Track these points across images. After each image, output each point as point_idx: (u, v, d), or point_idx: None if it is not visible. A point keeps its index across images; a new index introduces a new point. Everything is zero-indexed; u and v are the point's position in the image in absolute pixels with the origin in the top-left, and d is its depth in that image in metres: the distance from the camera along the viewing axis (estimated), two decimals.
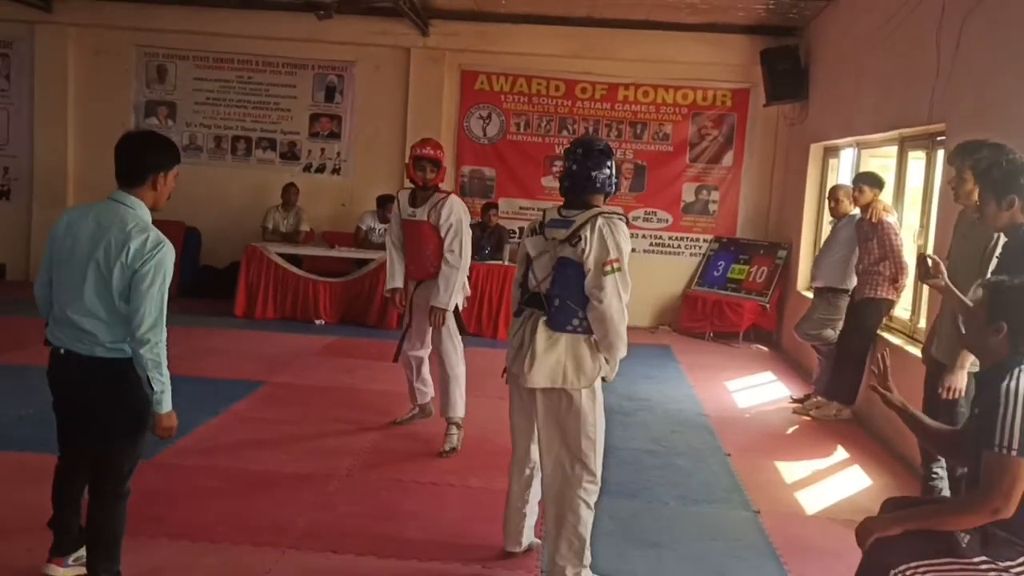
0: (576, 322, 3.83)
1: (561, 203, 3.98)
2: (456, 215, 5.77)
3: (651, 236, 11.15)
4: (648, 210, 11.14)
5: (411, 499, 4.97)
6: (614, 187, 3.98)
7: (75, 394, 3.47)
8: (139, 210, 3.44)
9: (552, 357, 3.85)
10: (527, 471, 4.27)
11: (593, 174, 3.87)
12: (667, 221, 11.14)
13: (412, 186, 5.97)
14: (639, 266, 10.52)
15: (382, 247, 10.10)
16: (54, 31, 11.11)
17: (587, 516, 3.97)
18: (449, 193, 5.90)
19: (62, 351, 3.43)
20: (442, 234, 5.77)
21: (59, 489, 3.69)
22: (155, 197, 3.50)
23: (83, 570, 3.66)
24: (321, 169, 11.33)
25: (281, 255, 9.97)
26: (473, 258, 9.83)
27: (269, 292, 9.88)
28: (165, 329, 3.39)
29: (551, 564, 3.96)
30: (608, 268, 3.71)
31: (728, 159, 11.07)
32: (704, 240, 11.13)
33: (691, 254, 11.14)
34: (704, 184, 11.13)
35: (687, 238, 11.15)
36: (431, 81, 11.03)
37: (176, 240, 10.97)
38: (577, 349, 3.87)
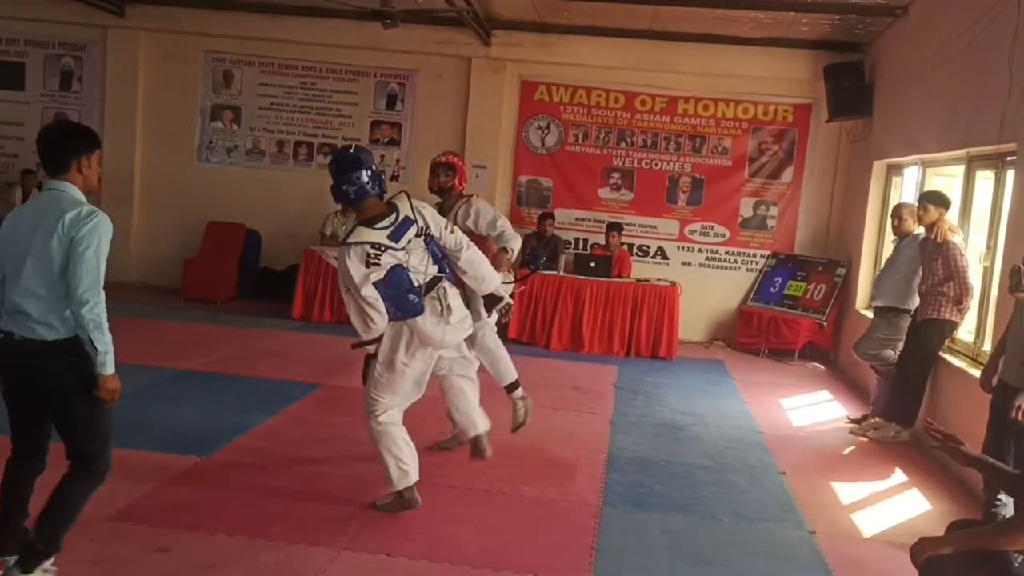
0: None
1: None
2: (484, 211, 5.86)
3: (707, 250, 11.07)
4: (705, 224, 11.06)
5: (463, 505, 4.99)
6: (378, 189, 4.50)
7: (25, 380, 3.53)
8: (72, 192, 3.53)
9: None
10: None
11: (345, 188, 4.46)
12: (724, 236, 11.05)
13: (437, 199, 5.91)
14: (694, 280, 10.64)
15: None
16: (126, 35, 11.41)
17: None
18: (471, 196, 5.92)
19: (8, 335, 3.49)
20: (480, 231, 5.73)
21: (9, 486, 3.67)
22: (84, 181, 3.57)
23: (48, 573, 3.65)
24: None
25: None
26: (528, 267, 9.95)
27: (326, 296, 10.00)
28: (103, 292, 3.45)
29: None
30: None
31: (788, 175, 10.95)
32: (761, 256, 11.02)
33: (747, 269, 11.03)
34: (763, 199, 11.02)
35: (744, 253, 11.04)
36: (491, 91, 11.10)
37: (237, 242, 11.24)
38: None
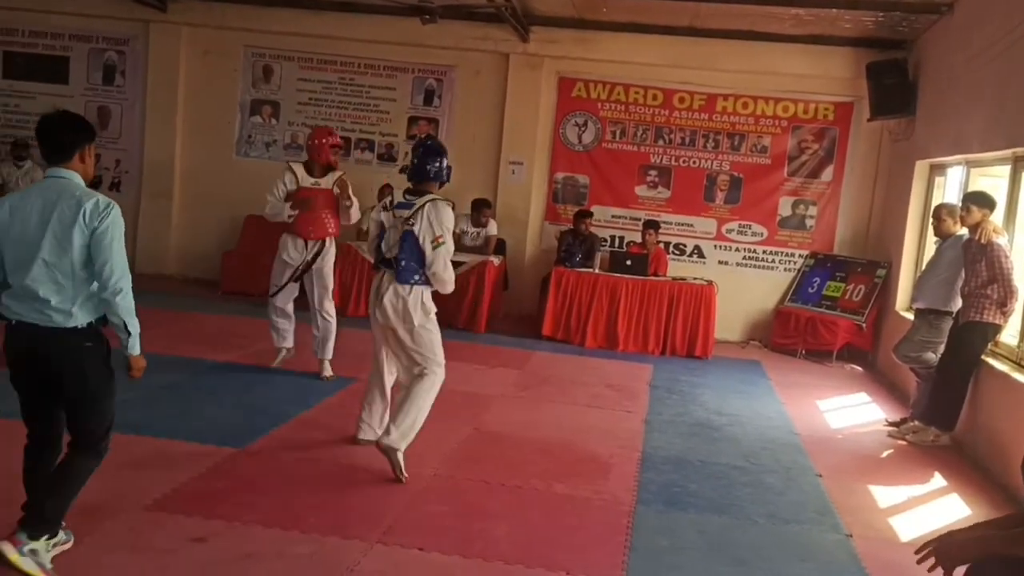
0: (417, 277, 5.14)
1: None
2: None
3: (745, 249, 10.98)
4: (743, 223, 10.97)
5: (496, 501, 4.99)
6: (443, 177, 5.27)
7: (39, 365, 3.59)
8: (76, 180, 3.63)
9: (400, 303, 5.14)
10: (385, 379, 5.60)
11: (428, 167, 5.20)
12: (762, 235, 10.95)
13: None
14: (731, 279, 10.55)
15: (474, 250, 10.25)
16: (168, 30, 11.54)
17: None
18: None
19: (14, 322, 3.57)
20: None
21: (30, 473, 3.75)
22: (84, 169, 3.69)
23: (65, 547, 3.75)
24: None
25: None
26: (564, 264, 9.93)
27: (362, 290, 10.03)
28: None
29: (390, 437, 5.07)
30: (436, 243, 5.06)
31: (828, 174, 10.82)
32: (799, 255, 10.90)
33: (785, 269, 10.92)
34: (802, 198, 10.90)
35: (782, 253, 10.93)
36: (528, 87, 11.08)
37: (275, 236, 11.27)
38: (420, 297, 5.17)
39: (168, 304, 9.71)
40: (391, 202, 5.28)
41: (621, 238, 11.12)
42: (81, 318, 3.55)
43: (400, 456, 5.07)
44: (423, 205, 5.10)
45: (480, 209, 10.41)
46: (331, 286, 7.31)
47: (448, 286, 5.26)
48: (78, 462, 3.69)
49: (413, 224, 5.08)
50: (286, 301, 7.32)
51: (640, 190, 11.13)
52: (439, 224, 5.08)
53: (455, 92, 11.38)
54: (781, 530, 4.95)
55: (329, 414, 6.33)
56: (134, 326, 3.59)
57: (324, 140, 7.21)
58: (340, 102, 11.56)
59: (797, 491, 5.62)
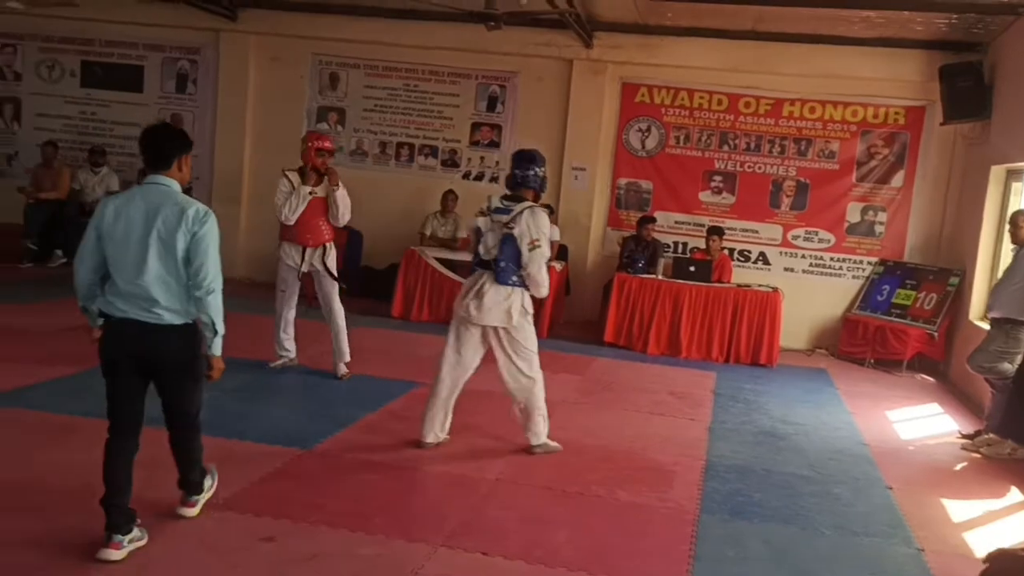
0: (515, 279, 5.45)
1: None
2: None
3: (811, 256, 10.79)
4: (809, 229, 10.78)
5: (559, 508, 4.98)
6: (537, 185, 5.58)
7: (144, 358, 3.85)
8: (175, 187, 3.92)
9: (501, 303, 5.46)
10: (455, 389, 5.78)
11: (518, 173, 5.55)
12: (829, 241, 10.75)
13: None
14: (797, 286, 10.39)
15: None
16: (237, 39, 11.79)
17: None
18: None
19: (126, 321, 3.80)
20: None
21: (114, 469, 3.88)
22: (181, 176, 3.97)
23: (140, 542, 3.92)
24: (480, 177, 11.55)
25: (438, 259, 10.21)
26: (626, 271, 9.88)
27: (425, 295, 10.13)
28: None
29: (533, 445, 5.73)
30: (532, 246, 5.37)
31: (898, 179, 10.59)
32: (868, 262, 10.68)
33: (853, 276, 10.71)
34: (871, 204, 10.68)
35: (850, 260, 10.72)
36: (591, 93, 11.06)
37: (339, 241, 11.34)
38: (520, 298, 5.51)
39: (235, 307, 9.78)
40: (488, 207, 5.56)
41: (684, 244, 11.02)
42: (185, 316, 3.87)
43: (546, 442, 5.77)
44: (522, 211, 5.42)
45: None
46: (337, 287, 7.35)
47: (543, 289, 5.54)
48: (188, 439, 4.15)
49: (512, 228, 5.40)
50: (290, 309, 7.51)
51: (704, 196, 11.02)
52: (536, 229, 5.40)
53: (518, 98, 11.41)
54: (850, 542, 4.85)
55: (393, 417, 6.39)
56: (221, 326, 3.89)
57: (310, 144, 7.23)
58: (404, 108, 11.68)
59: (866, 503, 5.50)
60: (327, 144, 7.29)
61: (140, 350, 3.84)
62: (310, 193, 7.18)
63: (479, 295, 5.49)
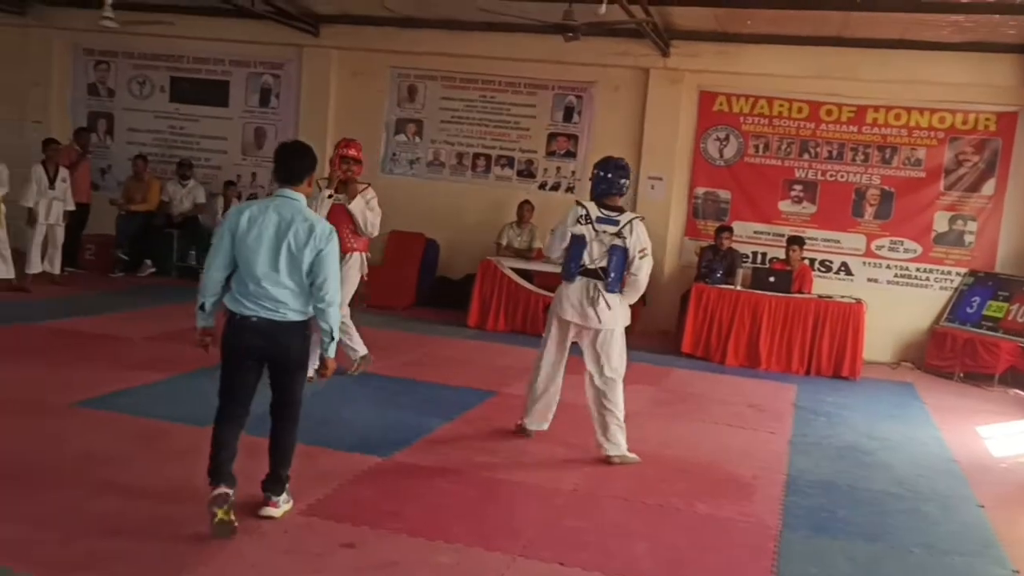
0: (620, 287, 5.71)
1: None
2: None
3: (896, 267, 10.51)
4: (894, 239, 10.51)
5: (637, 519, 4.93)
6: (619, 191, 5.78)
7: (266, 350, 4.26)
8: (303, 202, 4.29)
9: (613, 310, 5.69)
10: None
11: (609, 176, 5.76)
12: (915, 251, 10.46)
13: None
14: (881, 297, 10.12)
15: None
16: (319, 54, 12.04)
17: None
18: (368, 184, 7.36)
19: (254, 318, 4.19)
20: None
21: (223, 442, 4.28)
22: (307, 191, 4.39)
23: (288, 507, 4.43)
24: (556, 187, 11.56)
25: (514, 269, 10.25)
26: (704, 281, 9.78)
27: (501, 305, 10.17)
28: None
29: (614, 453, 5.79)
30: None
31: (989, 187, 10.25)
32: (957, 273, 10.35)
33: (941, 287, 10.39)
34: (960, 213, 10.36)
35: (937, 270, 10.41)
36: (669, 102, 10.98)
37: (416, 251, 11.65)
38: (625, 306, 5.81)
39: None
40: (586, 216, 5.69)
41: (763, 254, 10.85)
42: (303, 315, 4.27)
43: (624, 453, 5.81)
44: (629, 222, 5.68)
45: None
46: (349, 294, 7.11)
47: (638, 295, 5.85)
48: (289, 432, 4.45)
49: (625, 238, 5.63)
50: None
51: (784, 205, 10.84)
52: (645, 239, 5.72)
53: (594, 108, 11.40)
54: (939, 562, 4.70)
55: (470, 426, 6.42)
56: (337, 334, 4.33)
57: (337, 150, 7.15)
58: (481, 119, 11.77)
59: (956, 521, 5.32)
60: (351, 151, 7.09)
61: (264, 344, 4.23)
62: (329, 197, 6.98)
63: (593, 302, 5.67)
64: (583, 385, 5.88)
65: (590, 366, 5.81)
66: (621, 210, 5.75)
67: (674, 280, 11.05)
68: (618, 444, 5.80)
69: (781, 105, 10.77)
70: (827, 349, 9.29)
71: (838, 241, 10.68)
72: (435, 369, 8.10)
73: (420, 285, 11.56)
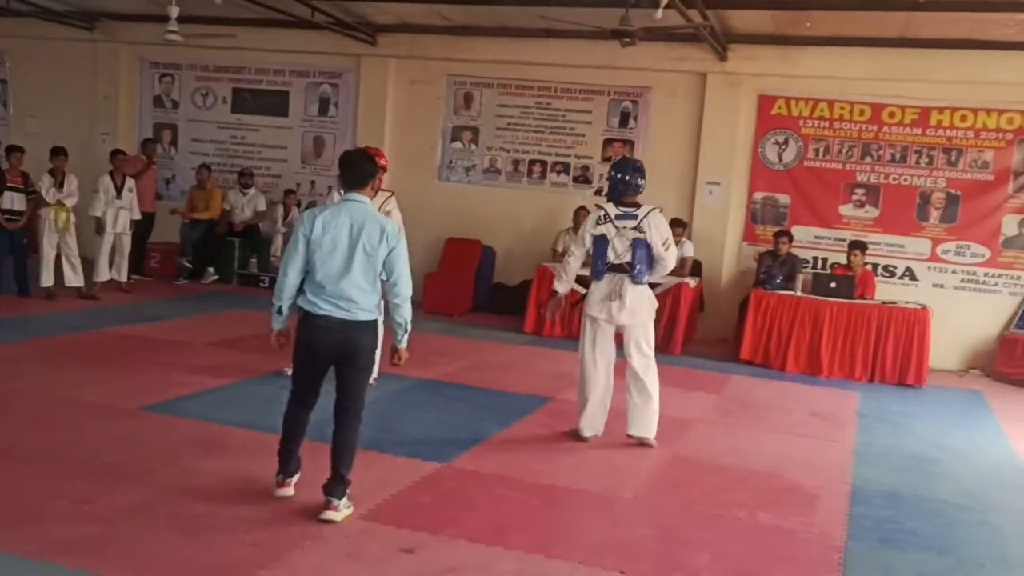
0: (646, 278, 6.00)
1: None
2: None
3: (963, 271, 10.26)
4: (961, 243, 10.26)
5: (698, 528, 4.88)
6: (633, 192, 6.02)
7: (338, 348, 4.47)
8: (370, 205, 4.58)
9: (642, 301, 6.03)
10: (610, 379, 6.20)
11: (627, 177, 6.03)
12: (983, 256, 10.20)
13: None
14: (947, 303, 9.90)
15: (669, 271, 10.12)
16: (377, 63, 12.17)
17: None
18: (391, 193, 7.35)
19: (328, 317, 4.43)
20: None
21: (294, 430, 4.66)
22: (371, 194, 4.72)
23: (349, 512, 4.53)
24: None
25: None
26: (763, 287, 9.65)
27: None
28: None
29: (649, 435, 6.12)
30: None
31: None
32: None
33: (1011, 293, 10.11)
34: None
35: (1007, 275, 10.13)
36: (726, 106, 10.88)
37: (473, 258, 11.70)
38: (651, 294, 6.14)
39: None
40: (604, 216, 5.99)
41: (824, 260, 10.68)
42: (373, 315, 4.53)
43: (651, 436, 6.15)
44: (646, 215, 5.94)
45: (673, 228, 10.28)
46: None
47: (667, 272, 6.24)
48: (352, 430, 4.59)
49: (645, 232, 5.91)
50: None
51: (845, 209, 10.65)
52: (665, 228, 6.01)
53: (650, 113, 11.34)
54: None
55: (528, 432, 6.42)
56: (410, 326, 4.62)
57: None
58: (537, 126, 11.79)
59: None
60: (382, 161, 6.75)
61: (337, 341, 4.45)
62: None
63: (620, 297, 5.94)
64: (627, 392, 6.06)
65: (626, 350, 6.10)
66: (638, 205, 6.00)
67: (732, 286, 10.94)
68: (651, 428, 6.11)
69: (842, 108, 10.60)
70: (891, 356, 9.10)
71: (902, 246, 10.46)
72: (492, 375, 8.12)
73: (476, 291, 11.60)
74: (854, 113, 10.56)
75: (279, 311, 4.55)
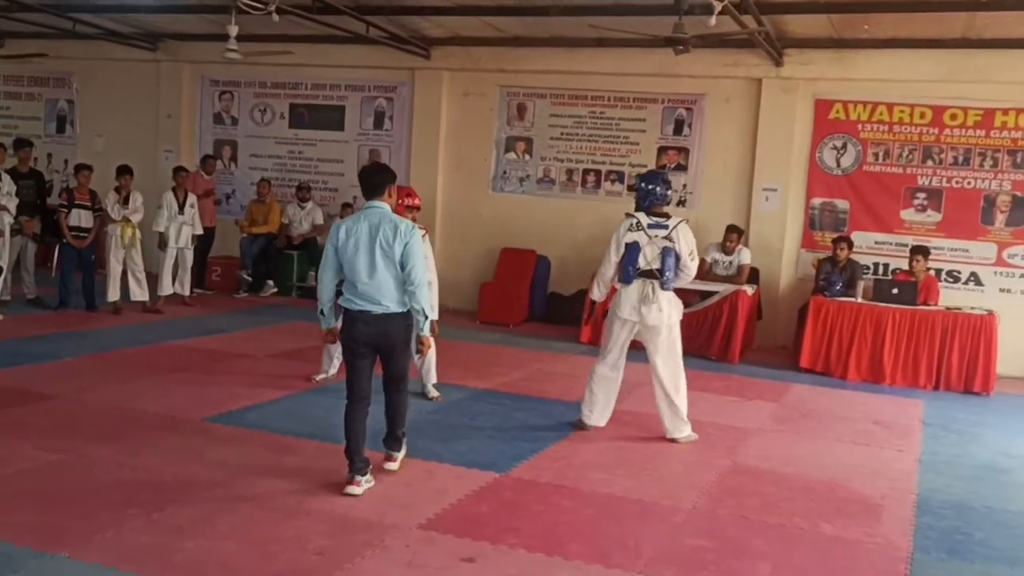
0: (673, 284, 6.36)
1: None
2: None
3: None
4: None
5: (759, 539, 4.82)
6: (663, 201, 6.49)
7: (376, 339, 5.02)
8: (387, 208, 5.07)
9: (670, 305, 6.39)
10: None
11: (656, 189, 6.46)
12: None
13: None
14: (1015, 308, 9.66)
15: (726, 279, 10.05)
16: (431, 76, 12.29)
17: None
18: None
19: (364, 312, 4.97)
20: None
21: (354, 425, 5.06)
22: (390, 201, 5.16)
23: (371, 484, 5.04)
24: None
25: None
26: (823, 294, 9.51)
27: None
28: None
29: (682, 433, 6.48)
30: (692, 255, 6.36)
31: None
32: None
33: None
34: None
35: None
36: (782, 112, 10.76)
37: (527, 268, 11.72)
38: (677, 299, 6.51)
39: None
40: (637, 224, 6.36)
41: (885, 265, 10.48)
42: (402, 306, 5.01)
43: (689, 433, 6.49)
44: (676, 226, 6.32)
45: (728, 234, 10.21)
46: None
47: (688, 281, 6.60)
48: (401, 399, 5.27)
49: (675, 242, 6.26)
50: None
51: (906, 214, 10.45)
52: (692, 240, 6.39)
53: (705, 120, 11.26)
54: None
55: (585, 442, 6.41)
56: (429, 312, 5.07)
57: (400, 199, 6.79)
58: (590, 135, 11.78)
59: None
60: (416, 201, 7.01)
61: (373, 332, 4.99)
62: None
63: (648, 300, 6.28)
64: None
65: (653, 359, 6.41)
66: (668, 216, 6.40)
67: (791, 293, 10.79)
68: (682, 429, 6.46)
69: (902, 111, 10.41)
70: (957, 363, 8.90)
71: (966, 250, 10.22)
72: (549, 385, 8.13)
73: (532, 301, 11.62)
74: (915, 116, 10.36)
75: (321, 312, 5.16)
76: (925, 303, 9.33)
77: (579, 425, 6.64)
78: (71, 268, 10.23)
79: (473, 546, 4.42)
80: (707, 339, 9.77)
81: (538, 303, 11.67)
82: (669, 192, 6.58)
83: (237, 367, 8.06)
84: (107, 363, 7.95)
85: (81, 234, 10.17)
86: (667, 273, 6.26)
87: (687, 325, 9.95)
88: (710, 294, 9.88)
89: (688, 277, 6.47)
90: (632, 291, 6.34)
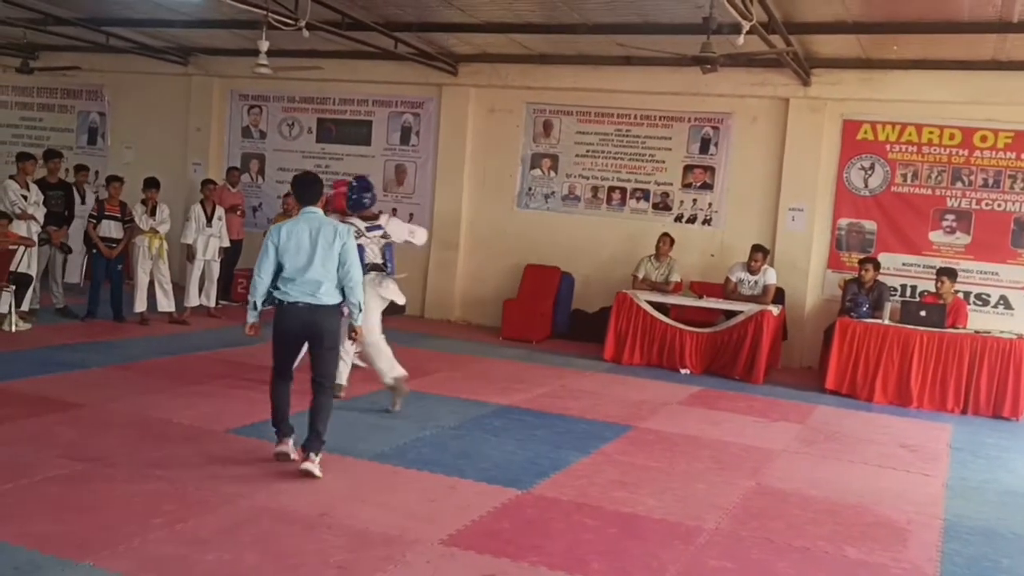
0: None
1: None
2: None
3: None
4: None
5: (782, 562, 4.77)
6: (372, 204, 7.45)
7: (307, 328, 5.52)
8: (321, 213, 5.67)
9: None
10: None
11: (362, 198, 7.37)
12: None
13: None
14: None
15: (751, 298, 10.00)
16: (458, 92, 12.36)
17: None
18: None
19: (297, 303, 5.44)
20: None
21: (281, 400, 5.69)
22: (320, 207, 5.75)
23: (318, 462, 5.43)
24: (692, 220, 11.42)
25: (649, 303, 10.16)
26: (849, 315, 9.43)
27: (637, 338, 10.09)
28: None
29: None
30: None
31: None
32: None
33: None
34: None
35: None
36: (809, 131, 10.72)
37: (552, 285, 11.73)
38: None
39: (453, 349, 10.29)
40: (358, 231, 6.99)
41: (913, 287, 10.39)
42: (337, 298, 5.52)
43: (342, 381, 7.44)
44: (387, 223, 7.55)
45: (753, 254, 10.15)
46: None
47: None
48: (326, 400, 5.58)
49: (390, 236, 7.51)
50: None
51: (935, 236, 10.36)
52: (403, 224, 7.87)
53: (731, 139, 11.24)
54: None
55: (608, 460, 6.37)
56: (362, 304, 5.61)
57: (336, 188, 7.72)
58: (616, 153, 11.78)
59: None
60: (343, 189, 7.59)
61: (305, 322, 5.48)
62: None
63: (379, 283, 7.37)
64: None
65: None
66: (376, 217, 7.48)
67: (817, 313, 10.72)
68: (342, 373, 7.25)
69: (931, 132, 10.34)
70: (986, 387, 8.79)
71: (996, 273, 10.12)
72: (572, 402, 8.10)
73: (556, 318, 11.61)
74: (944, 137, 10.29)
75: (254, 306, 5.60)
76: (953, 326, 9.24)
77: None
78: (100, 278, 10.35)
79: (494, 563, 4.40)
80: (731, 359, 9.72)
81: (561, 320, 11.65)
82: (369, 197, 7.42)
83: (261, 379, 8.06)
84: (133, 373, 8.02)
85: (111, 244, 10.29)
86: (389, 264, 7.43)
87: (711, 344, 10.08)
88: (735, 314, 9.83)
89: (422, 238, 7.88)
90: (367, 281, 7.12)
